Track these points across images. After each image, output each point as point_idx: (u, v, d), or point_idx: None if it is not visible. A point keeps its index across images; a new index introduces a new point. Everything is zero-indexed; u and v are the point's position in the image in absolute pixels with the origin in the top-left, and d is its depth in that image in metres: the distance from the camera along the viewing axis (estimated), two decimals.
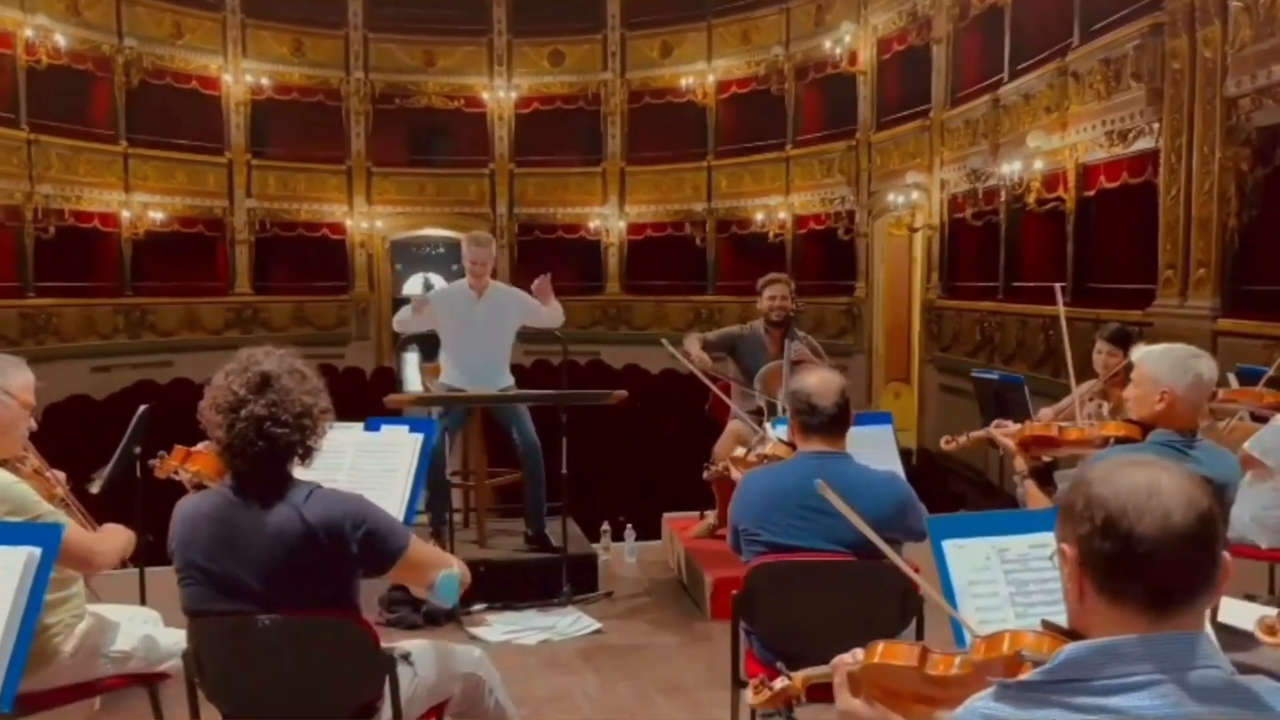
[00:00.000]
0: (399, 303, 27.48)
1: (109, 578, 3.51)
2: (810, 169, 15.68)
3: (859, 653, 1.64)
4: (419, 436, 3.46)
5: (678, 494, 6.45)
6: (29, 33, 13.79)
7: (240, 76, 16.68)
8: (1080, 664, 1.31)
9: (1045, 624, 1.49)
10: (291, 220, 17.31)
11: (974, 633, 1.62)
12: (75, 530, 2.79)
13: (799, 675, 1.73)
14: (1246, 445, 4.35)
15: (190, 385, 14.65)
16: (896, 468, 4.01)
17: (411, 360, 17.97)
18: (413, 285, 28.86)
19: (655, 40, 17.43)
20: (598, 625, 4.85)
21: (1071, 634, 1.42)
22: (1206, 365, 3.08)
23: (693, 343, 5.72)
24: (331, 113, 17.45)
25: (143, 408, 4.02)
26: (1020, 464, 3.33)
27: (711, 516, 5.69)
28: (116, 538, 2.92)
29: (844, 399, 2.96)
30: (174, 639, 2.91)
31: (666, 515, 6.19)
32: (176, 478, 3.04)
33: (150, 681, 2.98)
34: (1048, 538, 2.21)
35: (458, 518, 5.72)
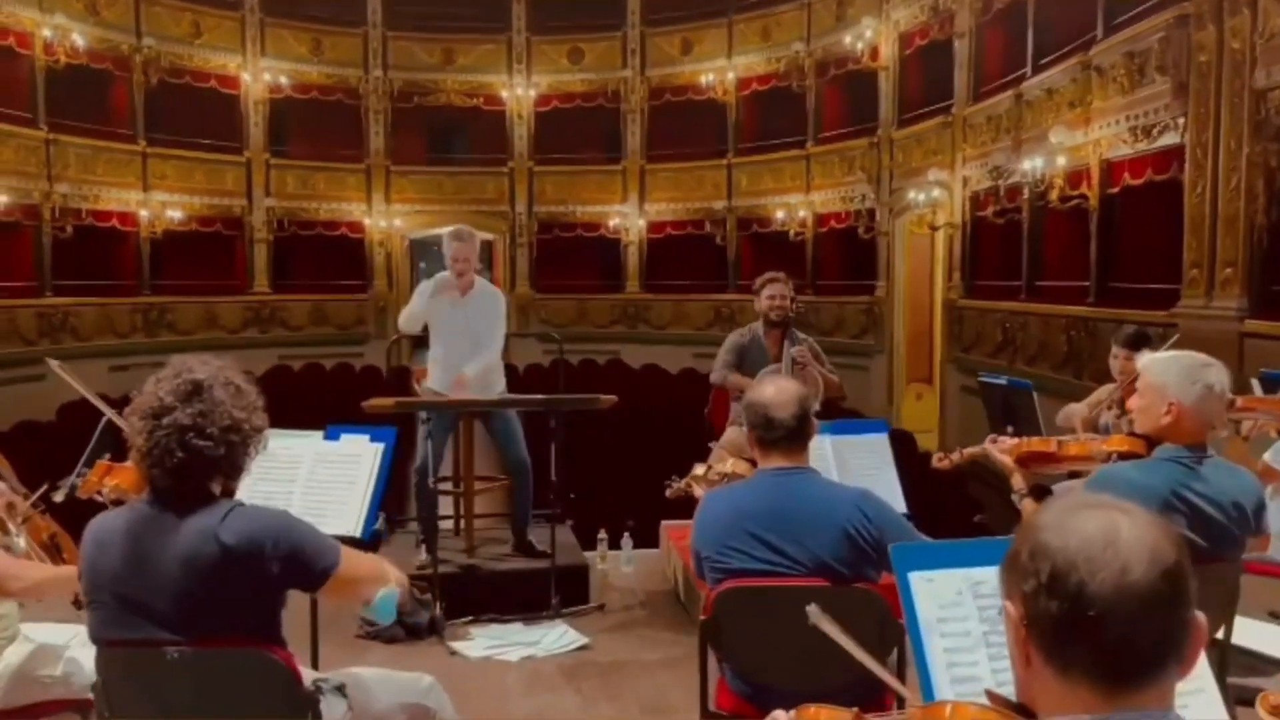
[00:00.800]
0: None
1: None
2: (831, 166, 15.43)
3: (792, 713, 1.45)
4: (378, 446, 3.32)
5: (683, 499, 6.24)
6: (47, 33, 13.79)
7: (259, 75, 16.63)
8: None
9: (990, 695, 1.30)
10: (310, 219, 17.26)
11: (926, 698, 1.43)
12: None
13: None
14: (1266, 456, 4.11)
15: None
16: (892, 476, 3.82)
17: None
18: None
19: (675, 37, 17.23)
20: (585, 640, 4.66)
21: (1020, 708, 1.23)
22: (1218, 375, 2.83)
23: (730, 376, 5.56)
24: (350, 111, 17.38)
25: (106, 417, 3.89)
26: (1018, 481, 3.11)
27: None
28: (40, 570, 2.75)
29: (803, 410, 2.74)
30: None
31: (665, 523, 5.95)
32: (99, 497, 2.88)
33: (83, 707, 2.83)
34: None
35: (449, 525, 5.57)
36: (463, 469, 5.24)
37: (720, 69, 16.72)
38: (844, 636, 1.68)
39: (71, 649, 2.87)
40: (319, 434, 3.39)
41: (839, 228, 15.36)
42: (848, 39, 14.57)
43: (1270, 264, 7.54)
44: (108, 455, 3.99)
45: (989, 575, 1.96)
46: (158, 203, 15.62)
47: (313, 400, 11.18)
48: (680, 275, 17.30)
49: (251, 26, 16.61)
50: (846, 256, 15.33)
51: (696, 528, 2.84)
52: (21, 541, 3.20)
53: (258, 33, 16.65)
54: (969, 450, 3.46)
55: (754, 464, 2.93)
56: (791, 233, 15.88)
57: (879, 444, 3.83)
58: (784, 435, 2.73)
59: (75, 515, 3.22)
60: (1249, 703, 3.41)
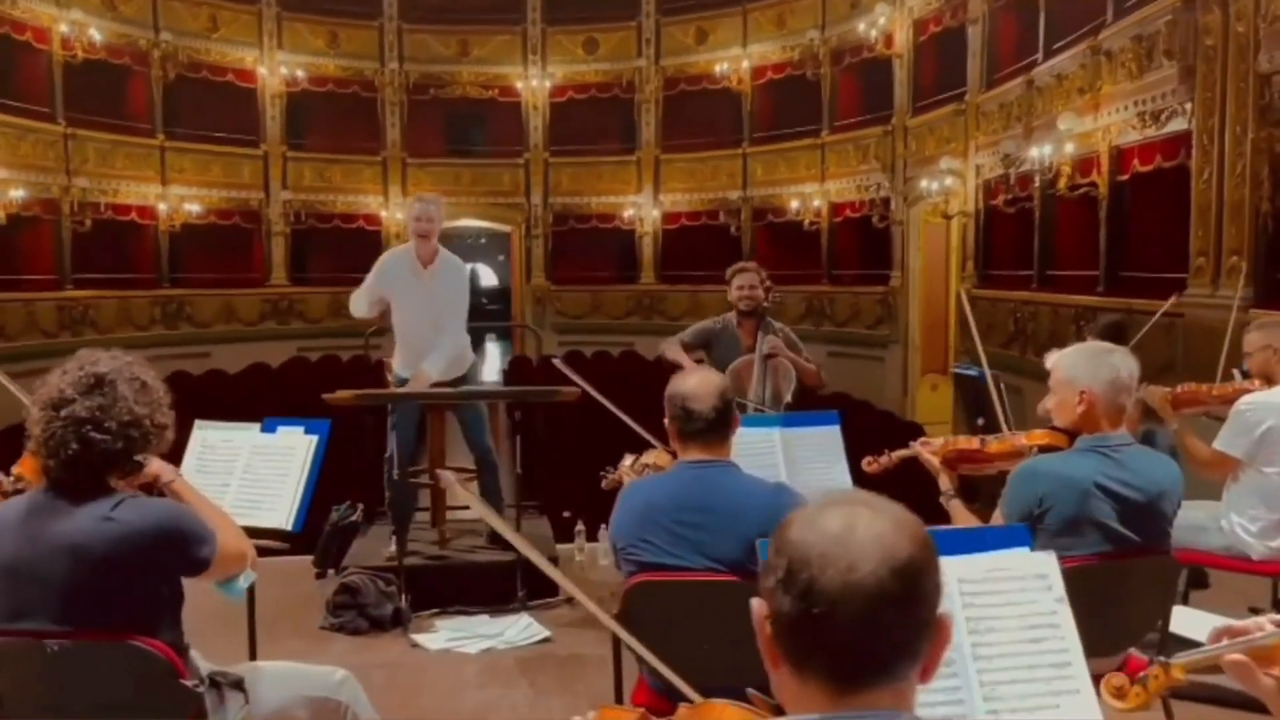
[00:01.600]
0: None
1: None
2: (846, 155, 15.28)
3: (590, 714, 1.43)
4: (312, 439, 3.30)
5: None
6: (64, 28, 13.94)
7: (276, 69, 16.72)
8: None
9: (752, 695, 1.26)
10: (327, 212, 17.34)
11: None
12: None
13: None
14: (1215, 444, 4.02)
15: (224, 376, 14.78)
16: (843, 469, 3.76)
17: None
18: None
19: (690, 26, 17.12)
20: (548, 633, 4.64)
21: (777, 708, 1.19)
22: (1123, 360, 2.83)
23: (674, 348, 5.51)
24: (367, 104, 17.43)
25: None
26: (945, 482, 3.08)
27: None
28: None
29: (724, 402, 2.69)
30: None
31: None
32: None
33: None
34: (960, 562, 1.98)
35: (425, 517, 5.57)
36: (431, 460, 5.22)
37: (735, 58, 16.60)
38: (490, 514, 1.72)
39: None
40: (257, 426, 3.38)
41: (854, 217, 15.22)
42: (862, 26, 14.41)
43: (1275, 252, 7.37)
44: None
45: None
46: (176, 196, 15.76)
47: (330, 391, 11.22)
48: (695, 266, 17.19)
49: (268, 20, 16.70)
50: (861, 246, 15.20)
51: (613, 519, 2.81)
52: None
53: (274, 26, 16.73)
54: (899, 453, 3.41)
55: (675, 455, 2.89)
56: (806, 222, 15.75)
57: (830, 436, 3.77)
58: (703, 427, 2.68)
59: None
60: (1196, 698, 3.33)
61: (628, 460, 3.54)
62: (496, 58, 17.69)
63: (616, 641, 2.71)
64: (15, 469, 2.84)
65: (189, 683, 2.24)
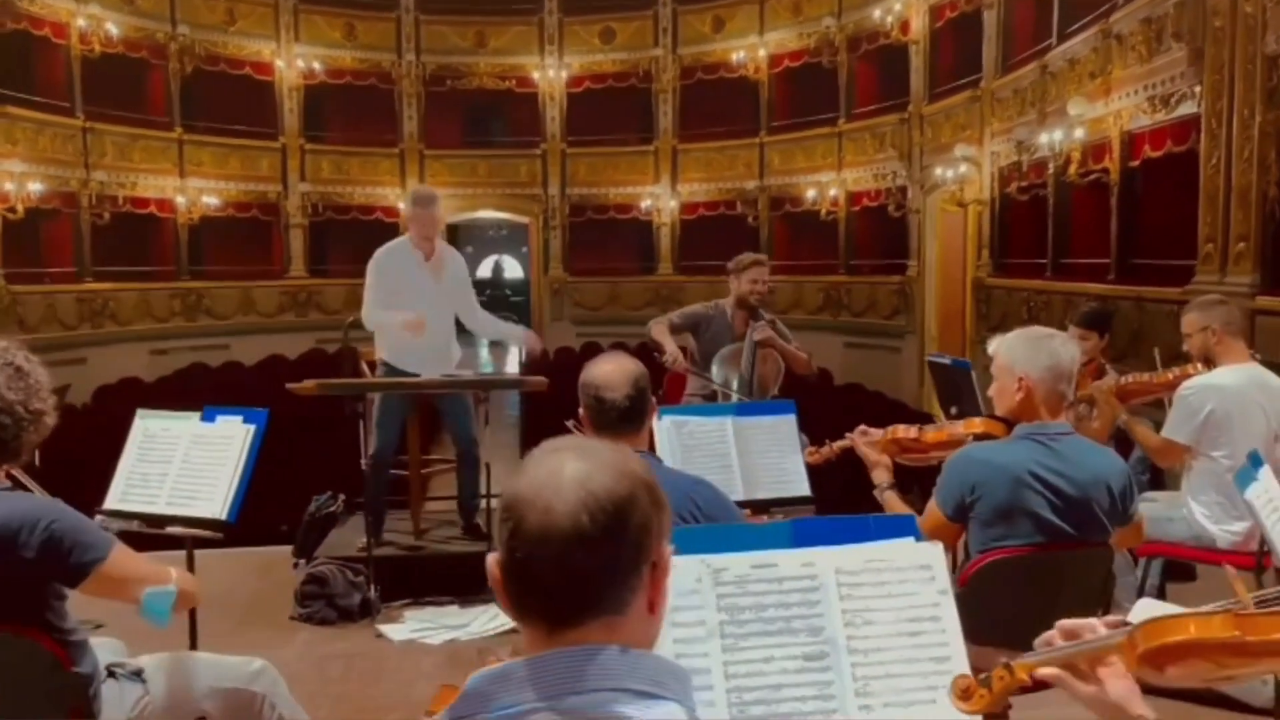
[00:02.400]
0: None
1: None
2: (862, 143, 15.12)
3: None
4: (250, 428, 3.27)
5: None
6: (81, 22, 14.07)
7: (293, 61, 16.79)
8: (478, 695, 1.11)
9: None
10: (345, 204, 17.40)
11: None
12: None
13: None
14: (1163, 432, 3.92)
15: (241, 368, 14.90)
16: (798, 460, 3.68)
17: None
18: (485, 269, 29.02)
19: (707, 14, 17.02)
20: (514, 624, 4.59)
21: None
22: (1062, 345, 2.74)
23: (661, 332, 5.43)
24: (384, 96, 17.47)
25: None
26: (880, 475, 3.00)
27: None
28: None
29: (637, 390, 2.58)
30: None
31: None
32: None
33: None
34: (778, 556, 1.91)
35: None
36: (411, 452, 5.20)
37: (752, 46, 16.47)
38: None
39: None
40: (197, 415, 3.36)
41: (871, 206, 15.07)
42: (878, 13, 14.26)
43: None
44: None
45: (733, 561, 1.85)
46: (194, 189, 15.88)
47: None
48: (713, 256, 17.01)
49: (285, 13, 16.76)
50: (878, 235, 15.05)
51: None
52: None
53: (291, 19, 16.80)
54: (838, 443, 3.34)
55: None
56: (823, 212, 15.62)
57: (784, 426, 3.68)
58: (616, 417, 2.59)
59: None
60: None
61: None
62: (513, 48, 17.66)
63: None
64: None
65: (82, 671, 2.21)
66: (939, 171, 13.06)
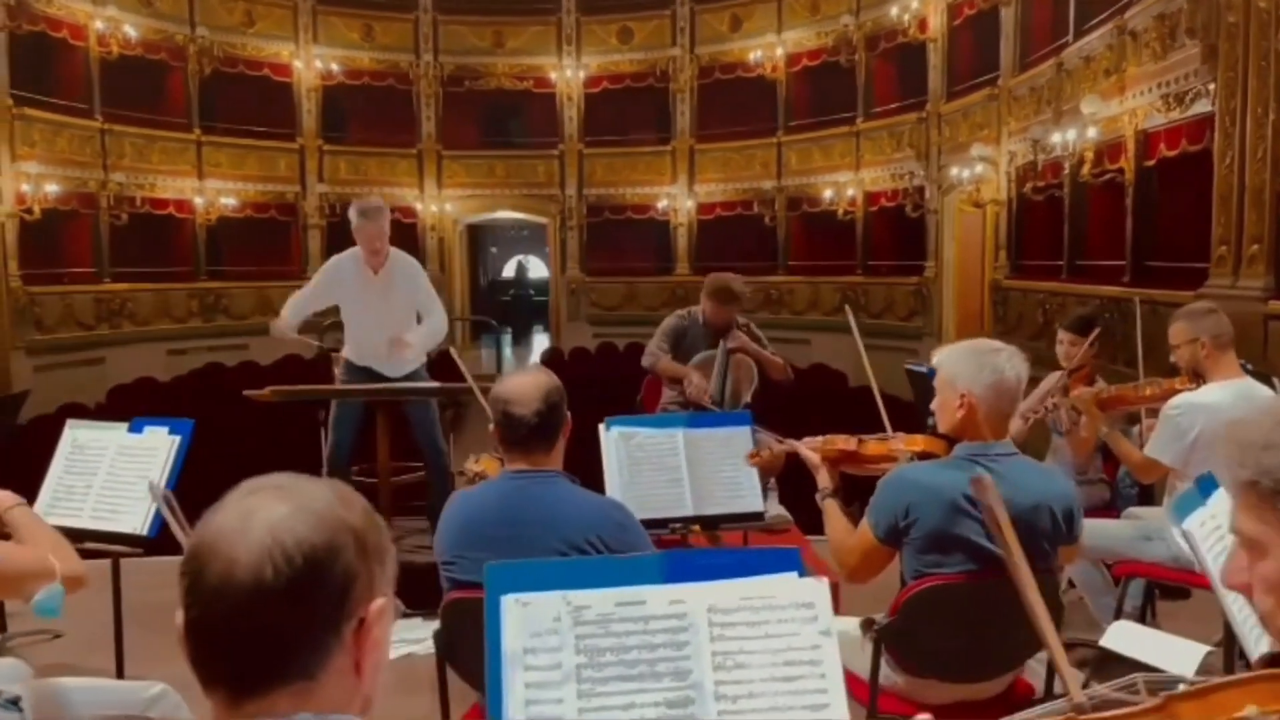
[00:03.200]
0: (495, 285, 27.72)
1: None
2: (880, 143, 14.91)
3: None
4: (175, 439, 3.18)
5: None
6: (100, 25, 14.14)
7: (311, 62, 16.81)
8: None
9: None
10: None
11: None
12: None
13: None
14: (1146, 450, 3.72)
15: (257, 368, 14.91)
16: (750, 472, 3.55)
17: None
18: (509, 269, 28.99)
19: (724, 13, 16.85)
20: None
21: None
22: (1009, 360, 2.58)
23: (669, 364, 5.36)
24: (402, 96, 17.45)
25: None
26: (824, 480, 2.85)
27: None
28: None
29: (548, 405, 2.47)
30: None
31: None
32: None
33: None
34: (647, 592, 1.78)
35: None
36: (380, 458, 5.11)
37: (769, 45, 16.29)
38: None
39: None
40: (125, 426, 3.28)
41: (888, 206, 14.85)
42: (895, 11, 14.05)
43: None
44: None
45: (596, 599, 1.73)
46: (212, 190, 15.94)
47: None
48: (730, 257, 16.85)
49: (303, 14, 16.78)
50: (896, 236, 14.82)
51: (437, 531, 2.64)
52: None
53: (310, 20, 16.82)
54: (779, 446, 3.19)
55: (502, 462, 2.71)
56: (840, 211, 15.42)
57: (738, 438, 3.55)
58: (525, 434, 2.48)
59: None
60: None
61: (470, 462, 3.37)
62: (531, 48, 17.59)
63: (440, 659, 2.56)
64: None
65: None
66: (956, 171, 12.83)
